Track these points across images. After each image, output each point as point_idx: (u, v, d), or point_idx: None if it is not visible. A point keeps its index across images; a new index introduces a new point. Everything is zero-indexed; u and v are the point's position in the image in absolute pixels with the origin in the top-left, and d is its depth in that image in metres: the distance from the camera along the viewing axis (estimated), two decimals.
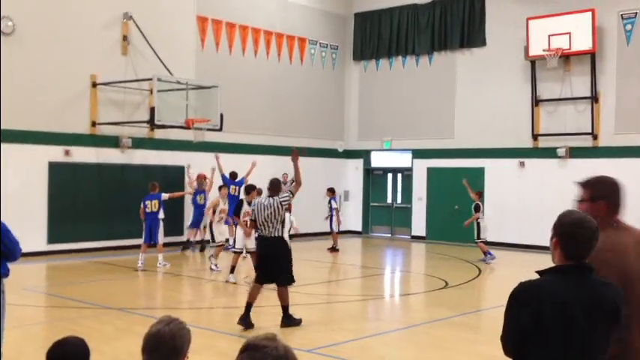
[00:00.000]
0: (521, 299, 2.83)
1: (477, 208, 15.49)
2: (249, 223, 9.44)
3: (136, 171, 16.35)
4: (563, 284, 2.81)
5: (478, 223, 15.47)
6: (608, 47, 16.98)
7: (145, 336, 2.86)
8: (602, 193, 3.49)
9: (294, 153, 8.93)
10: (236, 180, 16.08)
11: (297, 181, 8.78)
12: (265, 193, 9.11)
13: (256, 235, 9.18)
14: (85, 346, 3.28)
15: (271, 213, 8.41)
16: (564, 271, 2.85)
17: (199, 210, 15.75)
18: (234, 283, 11.56)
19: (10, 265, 5.38)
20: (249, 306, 8.34)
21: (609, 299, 2.83)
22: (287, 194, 8.67)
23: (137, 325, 8.52)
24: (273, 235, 8.46)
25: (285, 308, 8.51)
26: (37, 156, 14.73)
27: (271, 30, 19.70)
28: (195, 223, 16.00)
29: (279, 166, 18.96)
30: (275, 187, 8.78)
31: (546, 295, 2.79)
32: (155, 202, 13.30)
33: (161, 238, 13.40)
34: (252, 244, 10.89)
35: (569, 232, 2.85)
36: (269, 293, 9.57)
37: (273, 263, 8.50)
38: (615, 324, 2.85)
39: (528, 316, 2.78)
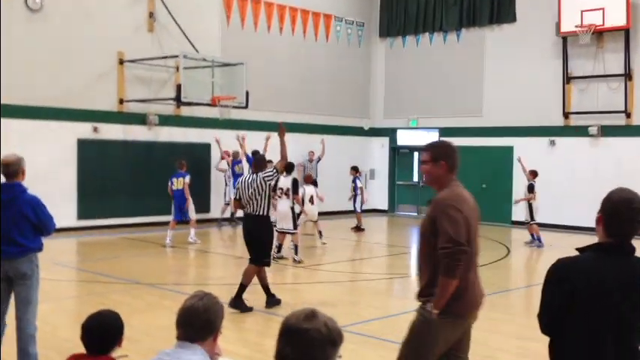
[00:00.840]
0: (558, 276, 2.82)
1: (531, 189, 14.50)
2: (235, 202, 8.77)
3: (163, 148, 16.45)
4: (602, 262, 2.77)
5: (530, 204, 14.49)
6: None
7: (179, 310, 2.89)
8: (442, 155, 4.00)
9: (281, 128, 8.54)
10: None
11: (283, 157, 8.41)
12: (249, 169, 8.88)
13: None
14: (119, 319, 3.34)
15: (255, 190, 8.08)
16: (604, 249, 2.81)
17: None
18: (283, 258, 11.82)
19: (44, 240, 5.44)
20: (242, 287, 7.96)
21: None
22: (271, 170, 8.29)
23: (167, 300, 8.62)
24: (257, 212, 8.11)
25: (242, 287, 8.02)
26: (66, 133, 14.88)
27: (297, 7, 19.55)
28: None
29: (304, 144, 18.96)
30: (259, 163, 8.55)
31: (583, 273, 2.76)
32: (181, 179, 13.37)
33: (193, 214, 13.47)
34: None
35: (615, 210, 2.79)
36: (294, 270, 9.55)
37: (251, 239, 8.20)
38: None
39: (564, 293, 2.77)
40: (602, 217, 2.83)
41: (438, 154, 4.01)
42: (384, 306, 8.75)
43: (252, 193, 8.09)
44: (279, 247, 11.76)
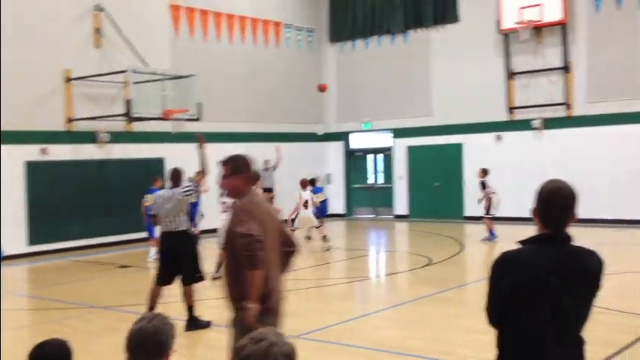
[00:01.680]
0: (501, 269, 2.89)
1: (483, 186, 14.90)
2: (152, 218, 8.56)
3: (115, 166, 16.26)
4: (541, 253, 2.84)
5: (489, 199, 14.86)
6: (579, 17, 17.12)
7: (127, 334, 2.84)
8: (240, 168, 4.32)
9: (201, 140, 8.20)
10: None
11: (205, 171, 8.19)
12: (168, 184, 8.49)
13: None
14: (65, 347, 3.23)
15: (174, 206, 7.78)
16: (543, 240, 2.88)
17: None
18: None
19: None
20: (151, 309, 7.60)
21: (587, 266, 2.87)
22: (189, 185, 8.03)
23: (123, 323, 8.49)
24: (177, 229, 7.81)
25: (190, 309, 7.83)
26: (14, 156, 14.55)
27: (246, 15, 19.57)
28: None
29: (259, 153, 18.95)
30: (175, 177, 8.07)
31: (525, 265, 2.83)
32: (152, 197, 13.07)
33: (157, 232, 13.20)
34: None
35: (546, 201, 2.88)
36: None
37: (178, 260, 7.82)
38: (596, 290, 2.89)
39: (508, 285, 2.84)
40: (536, 209, 2.91)
41: (237, 167, 4.34)
42: (345, 311, 8.87)
43: (170, 208, 7.79)
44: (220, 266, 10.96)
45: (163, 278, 7.87)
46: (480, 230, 15.98)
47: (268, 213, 4.37)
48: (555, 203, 2.86)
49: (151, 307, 7.71)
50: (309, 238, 15.20)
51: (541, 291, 2.80)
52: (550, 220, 2.87)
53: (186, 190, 7.95)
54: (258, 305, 4.08)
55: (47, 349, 3.18)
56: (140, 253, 13.52)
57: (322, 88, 15.35)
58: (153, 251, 13.12)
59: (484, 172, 15.06)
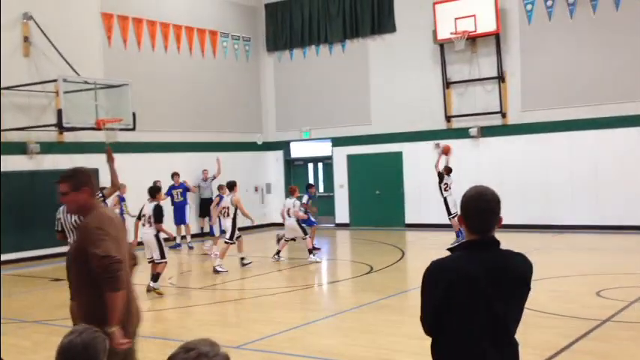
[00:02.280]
0: (433, 278, 2.89)
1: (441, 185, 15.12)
2: (58, 234, 7.83)
3: (47, 177, 15.65)
4: (472, 259, 2.84)
5: (445, 199, 15.06)
6: (512, 28, 17.62)
7: (57, 349, 2.76)
8: (82, 182, 4.10)
9: (109, 152, 8.01)
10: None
11: (113, 183, 7.99)
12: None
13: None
14: None
15: (78, 219, 7.37)
16: (471, 246, 2.89)
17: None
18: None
19: None
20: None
21: (517, 268, 2.89)
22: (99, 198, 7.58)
23: (55, 336, 8.18)
24: None
25: None
26: None
27: (180, 24, 19.30)
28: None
29: (198, 163, 18.72)
30: None
31: (456, 272, 2.83)
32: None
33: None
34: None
35: (469, 207, 2.89)
36: (194, 292, 9.32)
37: None
38: (527, 292, 2.92)
39: (441, 293, 2.83)
40: (461, 217, 2.93)
41: (78, 182, 4.11)
42: (286, 320, 8.76)
43: (75, 222, 7.39)
44: (156, 277, 10.67)
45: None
46: (423, 236, 16.18)
47: (118, 225, 4.14)
48: (478, 208, 2.87)
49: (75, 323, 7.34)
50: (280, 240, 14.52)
51: (474, 296, 2.81)
52: (475, 226, 2.89)
53: None
54: (120, 329, 3.84)
55: None
56: None
57: (446, 151, 15.31)
58: None
59: (448, 171, 15.16)
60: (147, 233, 10.78)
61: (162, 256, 10.68)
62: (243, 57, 21.42)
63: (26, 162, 15.50)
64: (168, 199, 16.66)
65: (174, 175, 17.45)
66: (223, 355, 2.12)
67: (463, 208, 2.92)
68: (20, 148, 15.35)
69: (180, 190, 17.37)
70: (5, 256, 14.68)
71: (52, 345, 7.86)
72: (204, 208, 17.87)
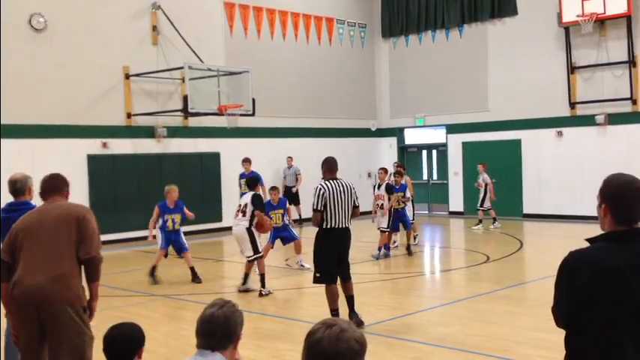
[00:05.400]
0: (572, 269, 2.74)
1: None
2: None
3: (173, 160, 16.55)
4: (615, 251, 2.69)
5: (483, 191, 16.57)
6: None
7: (198, 319, 2.91)
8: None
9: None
10: None
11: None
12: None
13: None
14: (140, 330, 3.40)
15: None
16: (616, 237, 2.72)
17: None
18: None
19: None
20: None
21: None
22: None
23: (183, 310, 8.70)
24: None
25: None
26: (76, 149, 14.99)
27: (298, 12, 19.63)
28: None
29: (311, 149, 19.01)
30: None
31: (597, 264, 2.68)
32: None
33: None
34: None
35: (619, 196, 2.72)
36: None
37: None
38: None
39: (579, 286, 2.69)
40: (607, 207, 2.74)
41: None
42: (401, 306, 8.78)
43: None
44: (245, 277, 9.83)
45: None
46: (540, 227, 15.63)
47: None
48: (631, 197, 2.69)
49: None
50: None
51: (618, 291, 2.66)
52: (622, 216, 2.71)
53: None
54: None
55: (123, 330, 3.31)
56: (197, 244, 13.70)
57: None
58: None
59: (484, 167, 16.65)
60: (239, 225, 9.61)
61: (257, 250, 9.52)
62: (359, 43, 21.46)
63: (154, 145, 16.41)
64: (238, 189, 15.59)
65: (245, 161, 15.86)
66: (361, 334, 2.17)
67: (609, 197, 2.74)
68: (149, 132, 16.26)
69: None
70: (133, 234, 15.65)
71: (180, 318, 8.32)
72: (288, 195, 16.76)
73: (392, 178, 13.31)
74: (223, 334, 2.87)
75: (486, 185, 16.62)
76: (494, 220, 16.72)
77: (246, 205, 9.55)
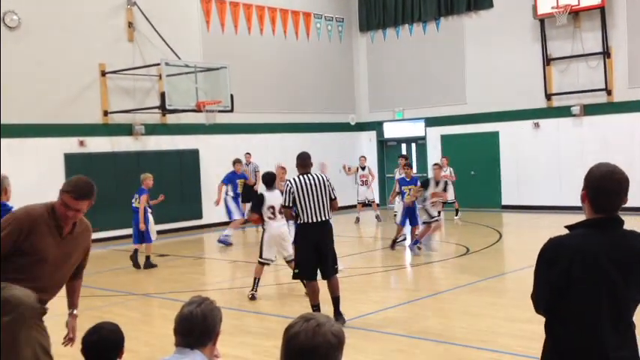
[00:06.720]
0: (550, 256, 2.78)
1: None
2: None
3: (151, 157, 16.41)
4: (594, 238, 2.74)
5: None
6: (618, 1, 16.66)
7: (176, 317, 2.89)
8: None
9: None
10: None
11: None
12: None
13: None
14: (119, 331, 3.36)
15: None
16: (594, 224, 2.78)
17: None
18: None
19: None
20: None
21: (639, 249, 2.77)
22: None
23: (163, 309, 8.64)
24: None
25: None
26: (53, 148, 14.82)
27: (275, 7, 19.55)
28: None
29: (290, 144, 18.96)
30: None
31: (576, 251, 2.73)
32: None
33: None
34: None
35: (598, 184, 2.77)
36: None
37: None
38: None
39: (558, 272, 2.74)
40: (586, 194, 2.80)
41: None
42: (383, 299, 8.81)
43: None
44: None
45: None
46: (519, 218, 15.76)
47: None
48: (609, 187, 2.75)
49: None
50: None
51: (596, 276, 2.71)
52: (602, 205, 2.77)
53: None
54: None
55: (102, 332, 3.27)
56: (176, 242, 13.63)
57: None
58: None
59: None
60: (280, 226, 8.94)
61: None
62: (337, 38, 21.46)
63: (132, 143, 16.27)
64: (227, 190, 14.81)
65: (236, 162, 15.21)
66: (339, 327, 2.17)
67: (590, 185, 2.79)
68: (126, 130, 16.12)
69: (242, 180, 15.09)
70: (112, 233, 15.52)
71: (161, 317, 8.26)
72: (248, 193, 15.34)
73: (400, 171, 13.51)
74: (202, 331, 2.86)
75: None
76: (457, 211, 17.09)
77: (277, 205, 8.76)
